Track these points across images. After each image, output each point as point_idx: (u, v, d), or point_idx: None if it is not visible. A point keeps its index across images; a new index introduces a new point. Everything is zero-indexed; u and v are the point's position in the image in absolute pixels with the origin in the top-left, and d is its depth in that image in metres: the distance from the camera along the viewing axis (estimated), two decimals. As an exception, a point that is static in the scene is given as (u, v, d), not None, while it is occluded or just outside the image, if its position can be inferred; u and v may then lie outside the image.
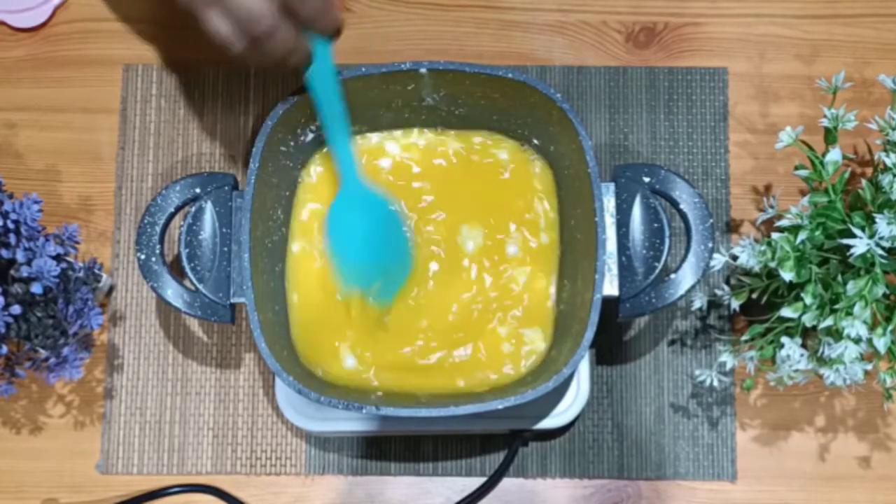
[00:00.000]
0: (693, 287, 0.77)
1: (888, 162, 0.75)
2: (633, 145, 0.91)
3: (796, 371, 0.76)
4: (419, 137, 0.84)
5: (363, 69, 0.77)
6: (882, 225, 0.71)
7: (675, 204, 0.78)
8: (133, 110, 0.92)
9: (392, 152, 0.84)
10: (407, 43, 0.93)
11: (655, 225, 0.78)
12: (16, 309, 0.74)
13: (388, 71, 0.77)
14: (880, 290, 0.72)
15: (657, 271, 0.77)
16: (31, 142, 0.92)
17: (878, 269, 0.72)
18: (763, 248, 0.76)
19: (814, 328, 0.75)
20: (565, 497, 0.87)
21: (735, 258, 0.77)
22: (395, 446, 0.87)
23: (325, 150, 0.83)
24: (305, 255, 0.82)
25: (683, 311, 0.89)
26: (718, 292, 0.83)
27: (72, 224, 0.80)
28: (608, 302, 0.75)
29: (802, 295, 0.74)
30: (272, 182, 0.79)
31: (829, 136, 0.79)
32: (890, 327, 0.73)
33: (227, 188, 0.79)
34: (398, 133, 0.84)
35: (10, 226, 0.76)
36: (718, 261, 0.77)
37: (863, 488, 0.87)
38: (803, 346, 0.76)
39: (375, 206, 0.81)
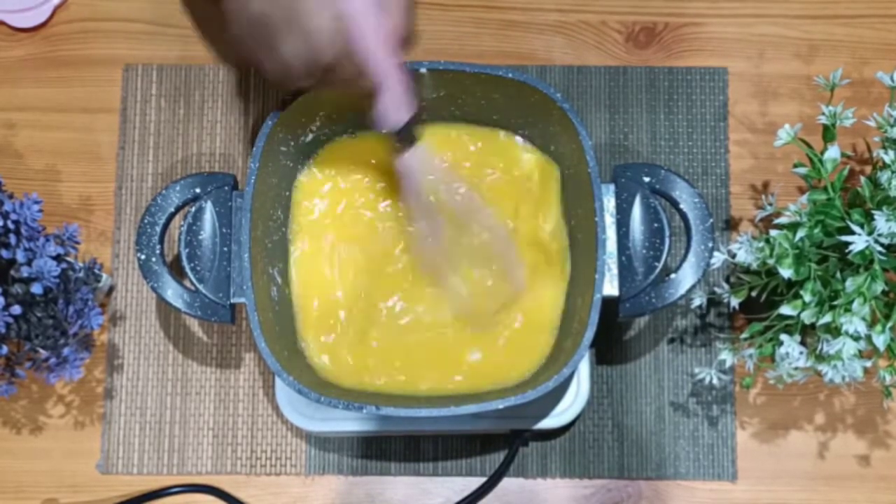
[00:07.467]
0: (693, 287, 0.77)
1: (887, 159, 0.75)
2: (633, 145, 0.91)
3: (796, 369, 0.76)
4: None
5: (363, 69, 0.77)
6: (881, 222, 0.71)
7: (675, 204, 0.78)
8: (133, 110, 0.92)
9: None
10: (407, 43, 0.93)
11: (655, 225, 0.78)
12: (16, 309, 0.74)
13: (387, 70, 0.77)
14: (879, 286, 0.72)
15: (657, 271, 0.77)
16: (31, 142, 0.92)
17: (876, 266, 0.72)
18: (761, 244, 0.76)
19: (813, 326, 0.75)
20: (565, 497, 0.87)
21: (733, 255, 0.77)
22: (395, 446, 0.87)
23: (324, 150, 0.83)
24: (306, 253, 0.82)
25: (683, 309, 0.89)
26: (718, 290, 0.83)
27: (72, 224, 0.80)
28: (608, 302, 0.75)
29: (801, 292, 0.74)
30: (272, 182, 0.79)
31: (828, 134, 0.79)
32: (889, 324, 0.73)
33: (227, 188, 0.79)
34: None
35: (11, 226, 0.76)
36: (718, 259, 0.77)
37: (863, 488, 0.86)
38: (802, 343, 0.76)
39: None
